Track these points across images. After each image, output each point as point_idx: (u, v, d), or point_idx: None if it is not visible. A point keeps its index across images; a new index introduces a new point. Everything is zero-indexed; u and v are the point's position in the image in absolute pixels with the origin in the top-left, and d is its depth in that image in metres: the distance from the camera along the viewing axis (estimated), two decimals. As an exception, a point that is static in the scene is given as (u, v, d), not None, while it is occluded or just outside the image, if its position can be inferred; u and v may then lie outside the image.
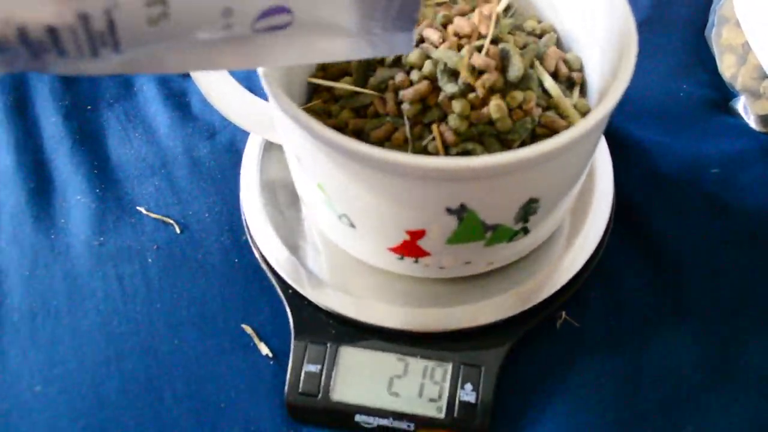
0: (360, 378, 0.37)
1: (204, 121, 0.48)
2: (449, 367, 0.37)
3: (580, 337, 0.40)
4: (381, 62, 0.35)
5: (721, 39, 0.51)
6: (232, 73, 0.39)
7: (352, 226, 0.34)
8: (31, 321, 0.41)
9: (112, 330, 0.40)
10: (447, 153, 0.32)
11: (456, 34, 0.34)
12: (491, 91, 0.32)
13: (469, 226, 0.31)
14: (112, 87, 0.50)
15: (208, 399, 0.38)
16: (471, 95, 0.32)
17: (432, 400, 0.37)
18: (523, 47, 0.35)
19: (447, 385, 0.37)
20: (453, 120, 0.32)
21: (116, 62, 0.24)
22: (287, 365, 0.38)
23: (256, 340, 0.40)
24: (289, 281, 0.39)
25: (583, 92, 0.36)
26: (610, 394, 0.38)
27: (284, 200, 0.41)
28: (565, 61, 0.36)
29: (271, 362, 0.39)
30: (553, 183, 0.32)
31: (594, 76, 0.35)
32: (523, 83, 0.33)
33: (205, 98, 0.38)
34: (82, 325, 0.40)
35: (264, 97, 0.38)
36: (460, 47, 0.33)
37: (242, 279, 0.42)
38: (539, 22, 0.38)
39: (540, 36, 0.37)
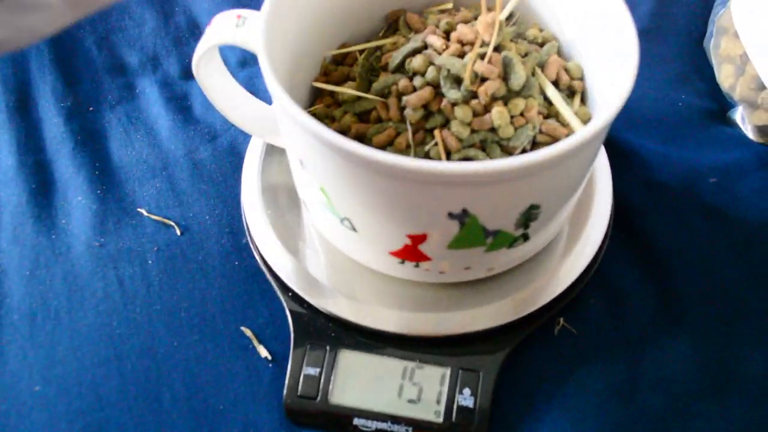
0: (359, 382, 0.37)
1: (205, 124, 0.49)
2: (447, 371, 0.37)
3: (577, 343, 0.40)
4: (384, 68, 0.35)
5: (719, 49, 0.52)
6: (236, 77, 0.39)
7: (354, 229, 0.34)
8: (31, 321, 0.41)
9: (112, 331, 0.40)
10: (449, 159, 0.33)
11: (459, 41, 0.34)
12: (493, 98, 0.32)
13: (470, 231, 0.32)
14: (115, 89, 0.51)
15: (206, 401, 0.38)
16: (473, 102, 0.32)
17: (430, 404, 0.37)
18: (525, 55, 0.35)
19: (445, 389, 0.37)
20: (455, 126, 0.32)
21: None
22: (286, 368, 0.38)
23: (255, 342, 0.40)
24: (289, 284, 0.39)
25: (583, 101, 0.37)
26: (607, 400, 0.38)
27: (285, 203, 0.41)
28: (567, 70, 0.36)
29: (270, 365, 0.39)
30: (553, 190, 0.32)
31: (595, 85, 0.36)
32: (524, 91, 0.33)
33: (207, 101, 0.38)
34: (81, 326, 0.40)
35: (267, 100, 0.39)
36: (462, 54, 0.34)
37: (242, 281, 0.42)
38: (541, 30, 0.38)
39: (542, 44, 0.37)
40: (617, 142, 0.48)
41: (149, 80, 0.51)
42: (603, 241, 0.41)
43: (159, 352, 0.40)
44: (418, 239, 0.33)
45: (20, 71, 0.51)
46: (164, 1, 0.55)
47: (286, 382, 0.37)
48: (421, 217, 0.31)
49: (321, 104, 0.36)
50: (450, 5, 0.39)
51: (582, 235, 0.40)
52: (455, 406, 0.37)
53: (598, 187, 0.42)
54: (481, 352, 0.38)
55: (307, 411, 0.37)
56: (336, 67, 0.38)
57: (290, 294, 0.39)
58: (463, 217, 0.31)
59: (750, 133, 0.49)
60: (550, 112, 0.34)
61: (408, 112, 0.33)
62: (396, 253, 0.34)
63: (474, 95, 0.32)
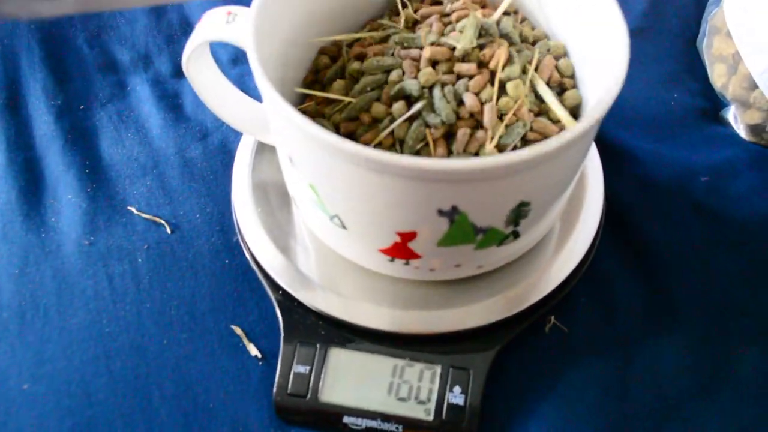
0: (349, 379, 0.37)
1: (196, 122, 0.48)
2: (438, 369, 0.37)
3: (568, 341, 0.40)
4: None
5: (712, 49, 0.52)
6: (227, 75, 0.39)
7: (344, 227, 0.34)
8: (20, 319, 0.40)
9: (101, 329, 0.40)
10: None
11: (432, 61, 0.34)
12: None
13: (459, 228, 0.32)
14: (106, 87, 0.50)
15: (196, 399, 0.38)
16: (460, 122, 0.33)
17: (420, 402, 0.37)
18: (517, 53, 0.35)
19: (436, 387, 0.37)
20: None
21: None
22: (276, 366, 0.38)
23: (245, 340, 0.40)
24: (280, 282, 0.39)
25: (574, 98, 0.37)
26: (598, 398, 0.38)
27: (276, 201, 0.41)
28: (558, 68, 0.36)
29: (260, 363, 0.39)
30: (543, 187, 0.32)
31: (585, 83, 0.36)
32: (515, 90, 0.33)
33: (198, 100, 0.38)
34: (71, 324, 0.40)
35: (258, 98, 0.39)
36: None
37: (232, 280, 0.42)
38: (533, 29, 0.38)
39: (533, 43, 0.37)
40: (610, 140, 0.48)
41: (140, 78, 0.51)
42: (594, 239, 0.41)
43: (149, 350, 0.40)
44: (408, 236, 0.33)
45: (11, 68, 0.51)
46: (156, -1, 0.55)
47: (276, 380, 0.37)
48: (410, 215, 0.31)
49: (311, 102, 0.36)
50: None
51: (573, 233, 0.40)
52: (446, 404, 0.37)
53: (589, 186, 0.42)
54: (472, 350, 0.38)
55: (297, 409, 0.37)
56: (330, 63, 0.37)
57: (280, 292, 0.39)
58: (452, 214, 0.31)
59: (742, 132, 0.49)
60: (540, 109, 0.34)
61: (395, 109, 0.33)
62: (386, 251, 0.34)
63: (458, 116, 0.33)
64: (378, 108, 0.33)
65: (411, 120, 0.33)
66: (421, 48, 0.34)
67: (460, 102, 0.33)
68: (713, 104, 0.51)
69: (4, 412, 0.38)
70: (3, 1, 0.22)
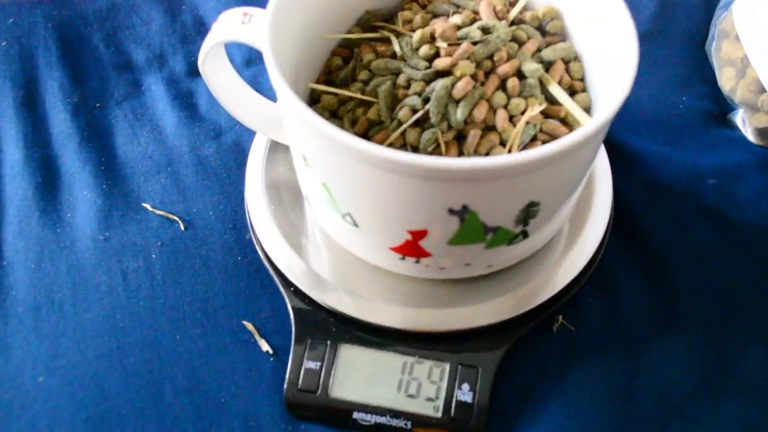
0: (359, 376, 0.38)
1: (210, 121, 0.49)
2: (447, 367, 0.38)
3: (575, 341, 0.40)
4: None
5: (720, 53, 0.52)
6: (241, 76, 0.39)
7: (356, 225, 0.34)
8: (36, 313, 0.41)
9: (115, 324, 0.41)
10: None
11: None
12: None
13: (470, 227, 0.32)
14: (121, 86, 0.51)
15: (208, 394, 0.39)
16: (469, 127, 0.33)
17: (429, 399, 0.37)
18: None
19: (444, 384, 0.37)
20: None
21: None
22: (287, 362, 0.38)
23: (256, 336, 0.40)
24: (292, 279, 0.39)
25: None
26: (604, 398, 0.39)
27: (288, 199, 0.42)
28: (568, 70, 0.37)
29: (272, 359, 0.40)
30: (553, 187, 0.32)
31: (595, 84, 0.36)
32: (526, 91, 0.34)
33: (212, 98, 0.38)
34: (85, 318, 0.41)
35: (271, 98, 0.39)
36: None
37: (245, 276, 0.42)
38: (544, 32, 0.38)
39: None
40: (618, 142, 0.48)
41: (155, 77, 0.52)
42: (602, 241, 0.41)
43: (161, 345, 0.40)
44: (419, 235, 0.33)
45: (28, 67, 0.52)
46: (171, 0, 0.56)
47: (287, 375, 0.38)
48: (421, 213, 0.31)
49: (325, 101, 0.37)
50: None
51: (582, 234, 0.41)
52: (454, 401, 0.37)
53: (598, 187, 0.42)
54: (481, 348, 0.38)
55: (308, 404, 0.37)
56: (342, 64, 0.38)
57: (292, 289, 0.40)
58: (463, 213, 0.31)
59: (750, 136, 0.50)
60: (550, 111, 0.35)
61: (402, 114, 0.33)
62: (397, 249, 0.35)
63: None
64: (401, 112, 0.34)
65: (422, 123, 0.33)
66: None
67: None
68: (721, 108, 0.52)
69: (20, 405, 0.38)
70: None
